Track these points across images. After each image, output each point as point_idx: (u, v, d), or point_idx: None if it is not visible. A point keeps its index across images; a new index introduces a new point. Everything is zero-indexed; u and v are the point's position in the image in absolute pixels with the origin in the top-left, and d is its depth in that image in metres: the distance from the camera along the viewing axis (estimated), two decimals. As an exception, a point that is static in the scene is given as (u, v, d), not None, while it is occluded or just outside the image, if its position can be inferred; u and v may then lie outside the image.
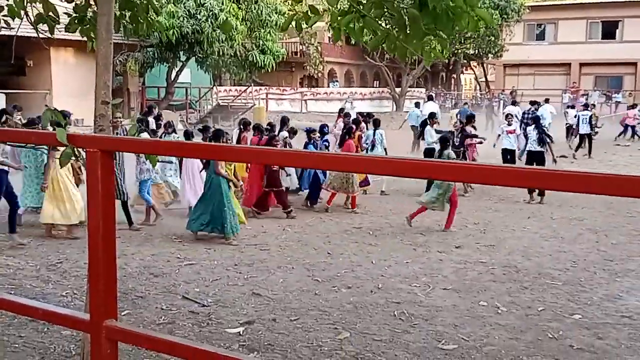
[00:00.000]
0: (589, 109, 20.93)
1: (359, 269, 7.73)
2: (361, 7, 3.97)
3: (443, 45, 4.68)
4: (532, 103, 23.81)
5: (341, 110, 18.29)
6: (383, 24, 4.30)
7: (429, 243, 9.07)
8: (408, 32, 4.02)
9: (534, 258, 8.30)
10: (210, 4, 22.38)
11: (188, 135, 11.67)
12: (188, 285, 6.86)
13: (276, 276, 7.29)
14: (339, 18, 4.14)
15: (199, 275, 7.24)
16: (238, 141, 12.56)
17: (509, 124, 14.55)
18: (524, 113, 19.29)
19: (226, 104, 28.78)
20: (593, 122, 20.23)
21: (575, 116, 21.25)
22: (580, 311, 6.20)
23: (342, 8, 4.07)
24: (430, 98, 23.21)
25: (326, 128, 13.75)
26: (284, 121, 13.54)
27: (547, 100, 23.56)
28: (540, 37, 44.31)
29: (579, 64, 42.18)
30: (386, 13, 3.76)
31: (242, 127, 12.74)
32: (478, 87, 49.68)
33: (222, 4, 22.56)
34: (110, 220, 2.10)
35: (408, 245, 9.01)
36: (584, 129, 19.96)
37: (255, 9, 24.52)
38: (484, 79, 47.98)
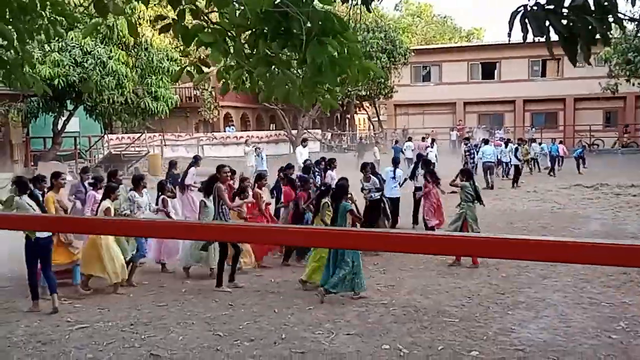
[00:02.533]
0: (520, 143, 24.30)
1: (262, 319, 7.60)
2: (248, 62, 3.99)
3: (333, 97, 4.77)
4: (424, 139, 25.92)
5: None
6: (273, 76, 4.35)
7: (331, 287, 9.09)
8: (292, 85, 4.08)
9: (432, 296, 8.51)
10: (98, 51, 21.83)
11: (162, 186, 10.62)
12: (80, 351, 6.46)
13: (175, 334, 7.02)
14: (227, 73, 4.15)
15: (92, 339, 6.84)
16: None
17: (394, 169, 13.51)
18: (468, 149, 20.78)
19: (119, 152, 27.89)
20: (519, 156, 22.92)
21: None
22: (477, 347, 6.39)
23: (229, 63, 4.07)
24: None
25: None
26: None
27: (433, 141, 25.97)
28: (427, 78, 46.56)
29: (463, 102, 44.58)
30: (272, 69, 3.80)
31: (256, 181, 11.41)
32: (372, 127, 51.25)
33: (111, 51, 22.08)
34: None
35: (310, 290, 8.97)
36: (514, 161, 22.56)
37: (145, 55, 24.16)
38: (377, 119, 49.60)
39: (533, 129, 40.24)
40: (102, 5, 3.63)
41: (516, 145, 23.16)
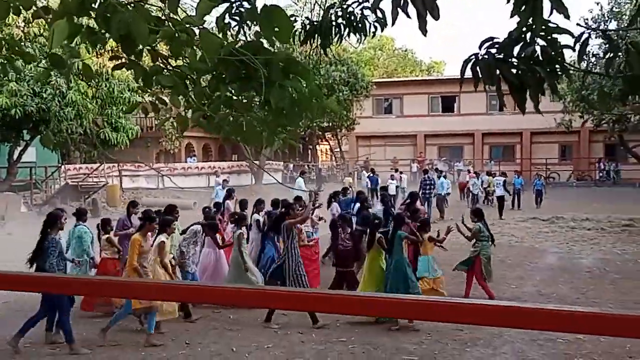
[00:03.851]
0: (500, 175, 25.22)
1: (219, 358, 7.48)
2: (209, 105, 3.99)
3: (294, 138, 4.80)
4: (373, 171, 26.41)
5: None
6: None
7: (291, 324, 8.99)
8: (257, 128, 4.09)
9: (391, 332, 8.49)
10: (57, 81, 21.53)
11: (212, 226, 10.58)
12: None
13: (130, 375, 6.84)
14: (187, 111, 4.14)
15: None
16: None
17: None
18: (423, 180, 21.42)
19: (76, 183, 27.37)
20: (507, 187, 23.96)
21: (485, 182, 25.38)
22: (435, 386, 6.39)
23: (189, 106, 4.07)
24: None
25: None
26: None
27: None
28: (388, 110, 47.26)
29: (423, 135, 45.29)
30: (233, 113, 3.80)
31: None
32: (334, 158, 51.52)
33: (70, 81, 21.80)
34: None
35: (269, 327, 8.87)
36: (499, 192, 23.44)
37: (106, 86, 23.92)
38: (339, 150, 49.91)
39: (491, 162, 41.05)
40: (57, 58, 3.57)
41: (504, 179, 24.08)
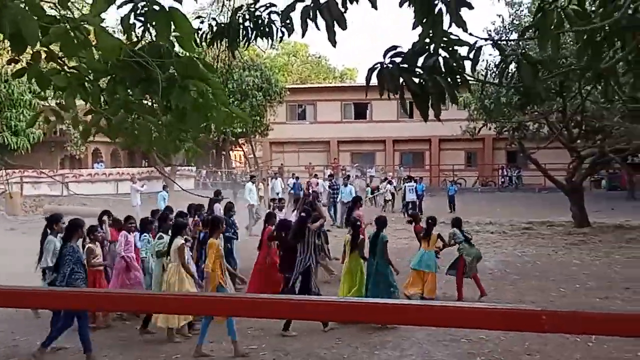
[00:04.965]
0: (415, 180, 25.91)
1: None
2: (107, 108, 3.86)
3: (198, 144, 4.72)
4: (296, 177, 26.33)
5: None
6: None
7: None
8: (157, 132, 3.99)
9: (302, 337, 8.51)
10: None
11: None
12: None
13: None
14: (86, 117, 3.99)
15: None
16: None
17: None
18: (330, 186, 21.50)
19: (-29, 190, 25.79)
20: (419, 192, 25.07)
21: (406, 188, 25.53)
22: (344, 390, 6.44)
23: (88, 109, 3.92)
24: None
25: None
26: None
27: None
28: (302, 116, 47.54)
29: (337, 141, 45.85)
30: (134, 116, 3.69)
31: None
32: (247, 164, 51.21)
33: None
34: None
35: (178, 335, 8.66)
36: (410, 197, 24.35)
37: (5, 87, 22.70)
38: (252, 156, 49.67)
39: (402, 168, 42.08)
40: None
41: (416, 184, 25.12)
